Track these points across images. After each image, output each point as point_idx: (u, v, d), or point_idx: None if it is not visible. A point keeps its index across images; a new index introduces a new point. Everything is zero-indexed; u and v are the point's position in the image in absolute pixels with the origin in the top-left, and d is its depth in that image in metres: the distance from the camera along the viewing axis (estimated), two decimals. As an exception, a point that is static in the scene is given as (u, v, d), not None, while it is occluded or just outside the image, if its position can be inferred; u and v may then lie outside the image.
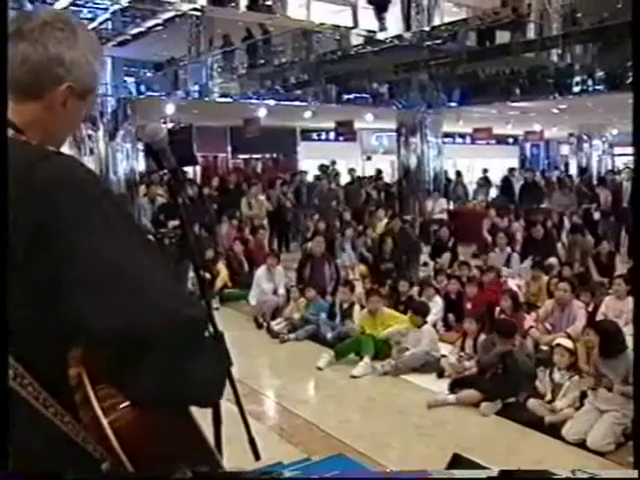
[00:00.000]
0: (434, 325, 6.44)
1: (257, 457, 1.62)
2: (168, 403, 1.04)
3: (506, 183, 15.10)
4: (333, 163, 15.83)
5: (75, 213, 1.00)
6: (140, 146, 12.03)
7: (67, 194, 1.01)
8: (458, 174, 16.55)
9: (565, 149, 25.01)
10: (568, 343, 4.81)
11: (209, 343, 1.10)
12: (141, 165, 12.55)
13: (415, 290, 7.34)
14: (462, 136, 21.84)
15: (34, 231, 0.98)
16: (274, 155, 20.24)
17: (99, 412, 1.02)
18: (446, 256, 9.29)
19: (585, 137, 19.57)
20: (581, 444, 4.14)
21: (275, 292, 7.74)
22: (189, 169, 16.89)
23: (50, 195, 0.99)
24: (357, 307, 6.65)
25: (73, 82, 1.16)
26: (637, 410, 3.45)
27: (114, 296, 0.97)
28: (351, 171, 15.29)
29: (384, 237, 9.20)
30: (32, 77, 1.13)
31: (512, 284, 7.61)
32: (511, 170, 16.43)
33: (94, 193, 1.05)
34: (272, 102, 14.04)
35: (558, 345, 4.81)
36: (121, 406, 1.02)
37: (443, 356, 5.74)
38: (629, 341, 5.55)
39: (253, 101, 14.15)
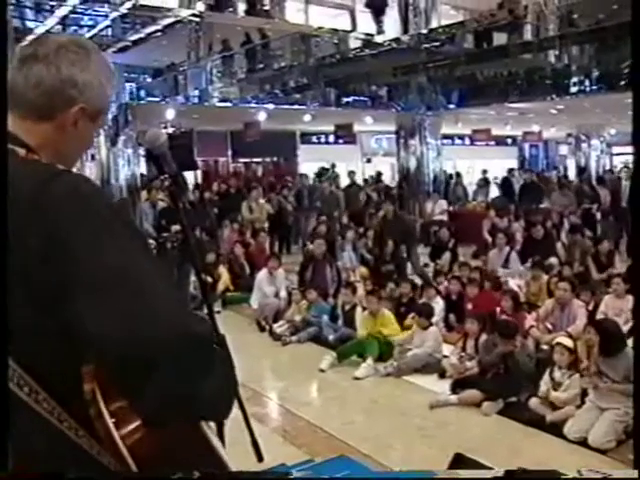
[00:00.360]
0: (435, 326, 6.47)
1: (260, 458, 1.63)
2: (175, 419, 1.04)
3: (506, 183, 15.14)
4: (333, 166, 15.89)
5: (80, 226, 1.01)
6: (141, 151, 12.09)
7: (73, 208, 1.03)
8: (458, 175, 16.60)
9: (564, 149, 25.04)
10: (568, 342, 4.83)
11: (218, 360, 1.10)
12: (142, 170, 12.60)
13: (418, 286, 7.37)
14: (461, 138, 21.88)
15: (43, 246, 1.00)
16: (274, 159, 20.29)
17: (111, 426, 1.04)
18: (446, 257, 9.31)
19: (583, 137, 19.60)
20: (583, 442, 4.15)
21: (277, 295, 7.76)
22: (190, 173, 16.95)
23: (58, 210, 1.01)
24: (359, 309, 6.67)
25: (85, 104, 1.18)
26: (637, 409, 3.48)
27: (118, 306, 0.98)
28: (351, 174, 15.34)
29: (383, 233, 9.19)
30: (45, 99, 1.15)
31: (512, 284, 7.64)
32: (510, 170, 16.47)
33: (99, 207, 1.07)
34: (272, 106, 14.10)
35: (558, 344, 4.83)
36: (133, 420, 1.05)
37: (445, 357, 5.76)
38: (629, 339, 5.61)
39: (253, 105, 14.21)
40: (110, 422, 1.05)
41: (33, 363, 1.03)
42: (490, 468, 3.53)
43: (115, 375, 1.00)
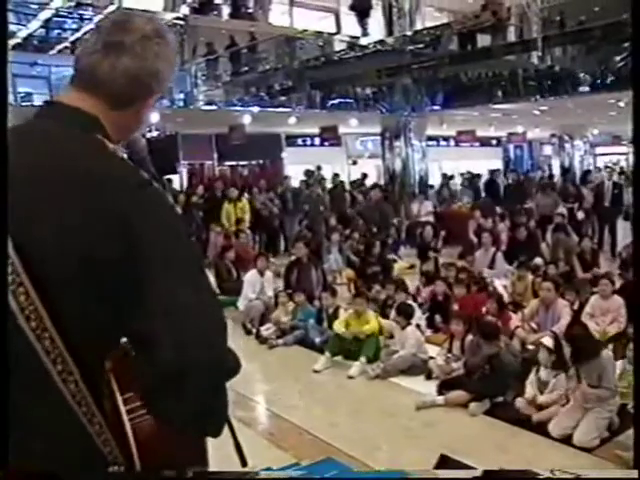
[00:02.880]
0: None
1: (243, 463, 1.63)
2: (189, 429, 1.12)
3: (491, 184, 15.13)
4: (319, 168, 15.84)
5: (162, 236, 1.08)
6: (126, 156, 11.98)
7: (160, 220, 1.10)
8: (444, 176, 16.66)
9: (548, 150, 25.25)
10: (549, 342, 4.85)
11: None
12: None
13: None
14: (446, 139, 21.96)
15: (125, 244, 1.05)
16: (260, 161, 20.24)
17: (121, 404, 1.10)
18: (430, 259, 9.31)
19: (567, 137, 19.77)
20: (569, 441, 4.17)
21: (263, 297, 7.72)
22: (176, 177, 16.87)
23: (145, 220, 1.08)
24: (342, 311, 6.66)
25: (160, 92, 1.25)
26: (637, 409, 3.47)
27: (182, 331, 1.05)
28: (335, 176, 15.32)
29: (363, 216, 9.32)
30: (130, 89, 1.19)
31: (498, 284, 7.68)
32: (494, 171, 16.51)
33: (178, 222, 1.16)
34: (257, 109, 14.07)
35: (543, 344, 4.86)
36: (142, 411, 1.10)
37: (431, 358, 5.77)
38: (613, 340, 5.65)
39: (238, 108, 14.17)
40: (121, 403, 1.10)
41: (74, 344, 1.05)
42: (475, 469, 3.53)
43: (151, 380, 1.06)
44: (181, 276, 1.08)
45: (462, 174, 17.18)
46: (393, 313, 6.63)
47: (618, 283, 6.76)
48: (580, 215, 11.53)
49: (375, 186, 14.08)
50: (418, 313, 6.68)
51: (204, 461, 1.23)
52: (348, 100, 15.16)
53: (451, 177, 16.53)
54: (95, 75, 1.17)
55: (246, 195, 12.59)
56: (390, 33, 14.99)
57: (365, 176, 16.70)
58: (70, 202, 1.05)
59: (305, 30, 15.67)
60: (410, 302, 6.77)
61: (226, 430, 1.57)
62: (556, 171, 20.96)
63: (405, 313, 6.07)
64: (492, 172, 16.30)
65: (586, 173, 16.39)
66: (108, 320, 1.07)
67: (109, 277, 1.05)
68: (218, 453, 1.42)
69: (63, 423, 1.06)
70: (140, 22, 1.20)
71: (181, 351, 1.03)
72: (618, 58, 10.69)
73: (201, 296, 1.10)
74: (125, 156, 1.23)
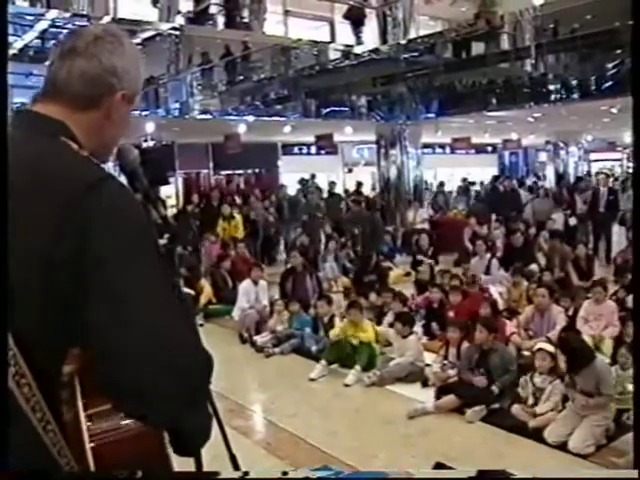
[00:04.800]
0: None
1: (237, 473, 1.63)
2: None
3: (492, 191, 15.02)
4: (313, 177, 15.88)
5: (112, 239, 1.06)
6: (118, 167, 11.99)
7: (109, 221, 1.07)
8: (440, 184, 16.71)
9: (543, 156, 25.32)
10: (550, 348, 4.87)
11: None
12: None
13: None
14: (442, 146, 22.02)
15: (74, 246, 1.03)
16: (256, 170, 20.26)
17: (81, 410, 1.05)
18: (426, 266, 9.30)
19: (561, 144, 19.82)
20: (565, 447, 4.18)
21: (258, 305, 7.71)
22: (172, 187, 16.90)
23: (95, 219, 1.05)
24: (337, 319, 6.66)
25: (125, 89, 1.25)
26: (637, 409, 3.48)
27: (129, 320, 1.03)
28: (331, 184, 15.36)
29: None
30: (90, 89, 1.22)
31: (494, 291, 7.69)
32: (496, 178, 16.52)
33: (132, 223, 1.11)
34: (252, 118, 14.11)
35: (540, 350, 4.87)
36: (103, 412, 1.05)
37: (427, 365, 5.77)
38: (609, 344, 5.67)
39: (233, 117, 14.19)
40: (80, 405, 1.05)
41: (26, 344, 1.03)
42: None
43: (107, 378, 1.03)
44: (132, 281, 1.05)
45: (460, 186, 17.19)
46: (388, 320, 6.64)
47: (613, 289, 6.79)
48: (572, 221, 11.57)
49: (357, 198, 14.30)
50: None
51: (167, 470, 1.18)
52: (343, 108, 15.20)
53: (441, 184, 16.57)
54: (55, 82, 1.22)
55: (242, 205, 12.58)
56: (384, 42, 15.09)
57: (360, 185, 16.74)
58: (29, 206, 1.06)
59: (300, 39, 15.73)
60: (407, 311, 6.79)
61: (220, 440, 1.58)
62: (550, 177, 21.01)
63: (408, 322, 6.08)
64: (495, 178, 16.27)
65: (578, 180, 16.44)
66: (61, 325, 1.06)
67: (60, 280, 1.03)
68: (213, 464, 1.42)
69: (18, 430, 1.03)
70: (92, 27, 1.27)
71: (130, 367, 1.01)
72: (611, 65, 10.77)
73: (148, 291, 1.06)
74: (91, 158, 1.20)
